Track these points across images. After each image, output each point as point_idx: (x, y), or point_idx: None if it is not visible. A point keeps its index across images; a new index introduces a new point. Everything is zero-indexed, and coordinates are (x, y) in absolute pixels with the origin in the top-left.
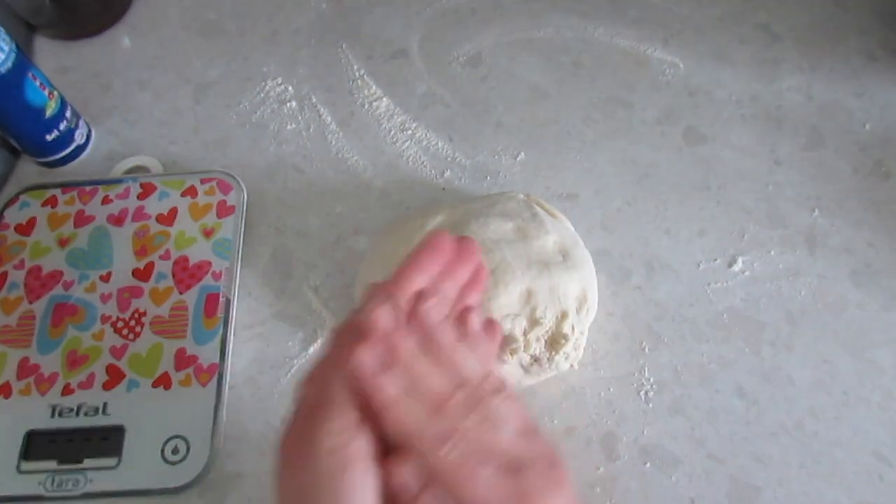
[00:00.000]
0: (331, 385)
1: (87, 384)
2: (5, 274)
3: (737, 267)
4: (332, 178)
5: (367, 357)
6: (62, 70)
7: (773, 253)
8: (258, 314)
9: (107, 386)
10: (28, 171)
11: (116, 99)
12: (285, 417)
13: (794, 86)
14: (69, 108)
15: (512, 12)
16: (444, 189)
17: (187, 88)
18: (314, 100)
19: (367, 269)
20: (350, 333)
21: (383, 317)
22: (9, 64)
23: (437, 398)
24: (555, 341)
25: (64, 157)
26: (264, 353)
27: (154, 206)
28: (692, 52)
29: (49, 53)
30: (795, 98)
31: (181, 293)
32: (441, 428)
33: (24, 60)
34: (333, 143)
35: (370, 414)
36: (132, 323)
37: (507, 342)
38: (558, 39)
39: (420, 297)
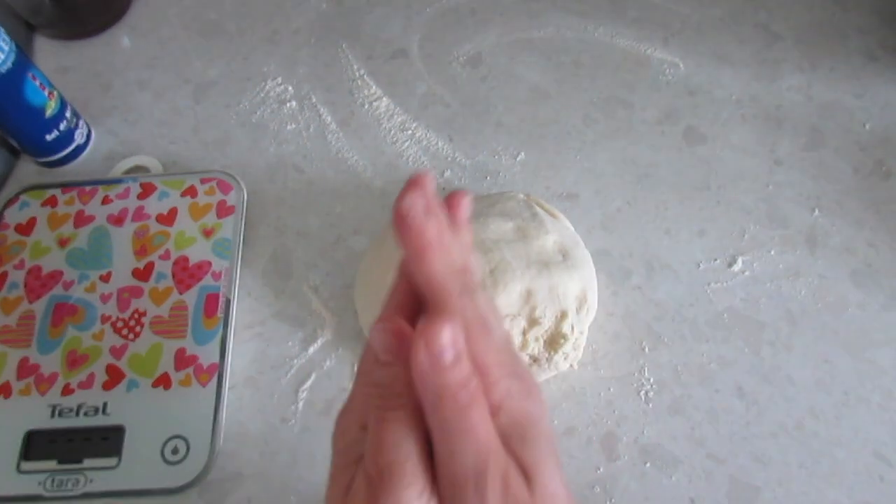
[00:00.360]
0: (394, 443)
1: (86, 384)
2: (5, 274)
3: (737, 267)
4: (332, 178)
5: (424, 192)
6: (62, 70)
7: (773, 253)
8: (258, 314)
9: (107, 386)
10: (28, 170)
11: (116, 99)
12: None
13: (795, 85)
14: (69, 107)
15: (512, 12)
16: (444, 189)
17: (187, 88)
18: (314, 100)
19: (366, 268)
20: (370, 361)
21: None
22: (8, 64)
23: (458, 267)
24: (554, 341)
25: (64, 156)
26: (264, 353)
27: (154, 206)
28: (692, 52)
29: (49, 53)
30: (796, 98)
31: (181, 293)
32: (465, 283)
33: (23, 60)
34: (333, 142)
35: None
36: (132, 323)
37: None
38: (558, 39)
39: (455, 195)
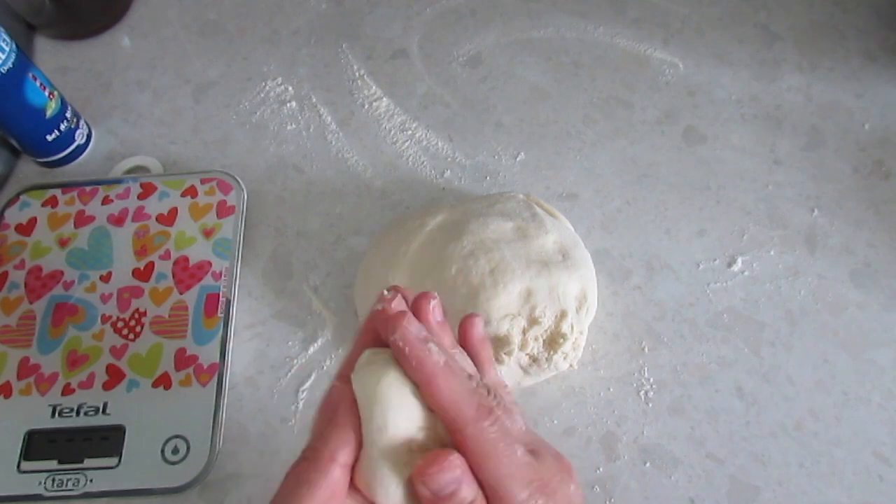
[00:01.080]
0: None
1: (87, 384)
2: (6, 274)
3: (736, 267)
4: (332, 178)
5: (412, 325)
6: (62, 70)
7: (772, 253)
8: (258, 314)
9: (107, 386)
10: (28, 171)
11: (116, 99)
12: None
13: (794, 86)
14: (69, 108)
15: (512, 13)
16: (443, 189)
17: (187, 88)
18: (314, 100)
19: (366, 268)
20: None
21: (435, 312)
22: (9, 64)
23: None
24: (553, 341)
25: (64, 157)
26: (264, 353)
27: (154, 206)
28: (692, 52)
29: (49, 53)
30: (795, 98)
31: (181, 293)
32: (482, 401)
33: (24, 60)
34: (333, 143)
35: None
36: (132, 323)
37: (504, 343)
38: (558, 40)
39: (423, 296)
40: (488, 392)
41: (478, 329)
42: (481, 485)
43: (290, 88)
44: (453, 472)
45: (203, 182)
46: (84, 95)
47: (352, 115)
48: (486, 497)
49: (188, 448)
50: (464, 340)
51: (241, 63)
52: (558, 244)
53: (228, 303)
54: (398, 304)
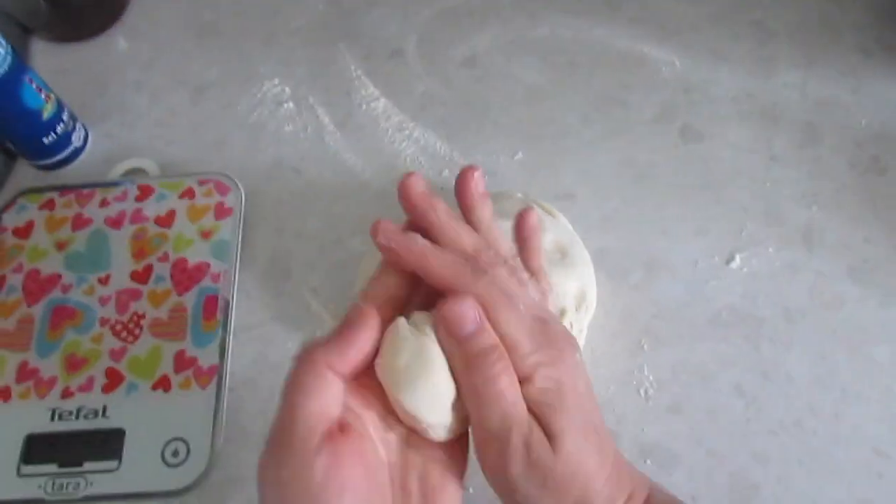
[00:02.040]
0: (285, 411)
1: (86, 387)
2: (3, 277)
3: (735, 264)
4: (331, 178)
5: (390, 224)
6: (59, 72)
7: (770, 250)
8: (257, 316)
9: (106, 389)
10: (25, 174)
11: (113, 101)
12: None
13: (790, 82)
14: (66, 110)
15: (508, 13)
16: (441, 189)
17: (184, 90)
18: (312, 101)
19: (366, 269)
20: (308, 350)
21: (420, 183)
22: (5, 67)
23: (468, 251)
24: None
25: (61, 159)
26: (264, 355)
27: (152, 208)
28: (688, 50)
29: (45, 56)
30: (791, 95)
31: (180, 295)
32: (478, 265)
33: (20, 63)
34: (331, 143)
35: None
36: (131, 325)
37: None
38: (554, 39)
39: (468, 169)
40: (488, 255)
41: (473, 187)
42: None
43: (288, 89)
44: (470, 309)
45: (201, 184)
46: (81, 98)
47: (349, 116)
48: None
49: (188, 451)
50: (462, 197)
51: (239, 64)
52: (556, 243)
53: (227, 304)
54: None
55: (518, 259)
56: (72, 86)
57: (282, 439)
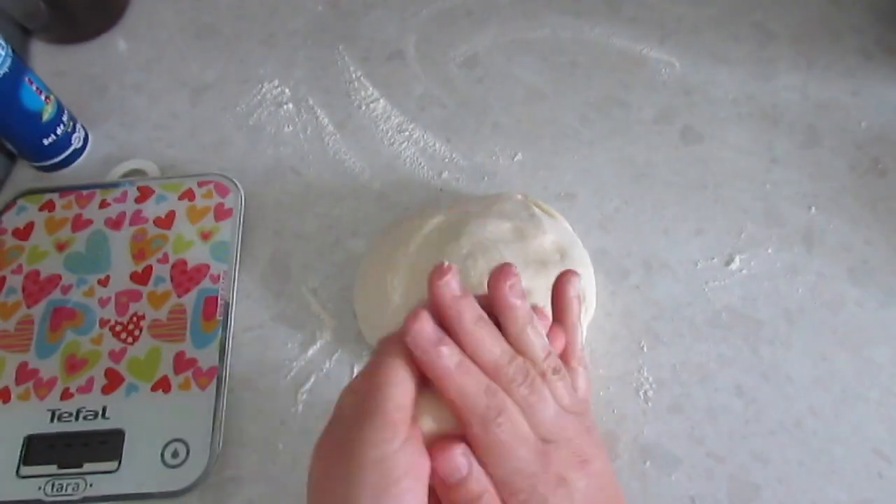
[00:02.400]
0: (376, 393)
1: (86, 388)
2: (3, 279)
3: (734, 265)
4: (330, 180)
5: (426, 325)
6: (58, 74)
7: (770, 251)
8: (257, 317)
9: (106, 390)
10: (25, 175)
11: (113, 102)
12: (324, 427)
13: (791, 84)
14: (66, 112)
15: (508, 13)
16: (441, 190)
17: (184, 91)
18: (311, 102)
19: (365, 271)
20: (394, 341)
21: (451, 285)
22: (5, 68)
23: (492, 366)
24: None
25: (61, 161)
26: (263, 356)
27: (151, 209)
28: (688, 52)
29: (45, 57)
30: (791, 96)
31: (179, 296)
32: (495, 401)
33: (20, 65)
34: (331, 144)
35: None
36: (130, 327)
37: None
38: (554, 40)
39: (503, 272)
40: (517, 374)
41: (505, 285)
42: (493, 480)
43: (287, 91)
44: (456, 462)
45: (200, 185)
46: (80, 99)
47: (349, 117)
48: (499, 493)
49: (188, 451)
50: (494, 299)
51: (238, 65)
52: (556, 244)
53: (227, 306)
54: (450, 284)
55: (552, 356)
56: (71, 87)
57: (374, 421)
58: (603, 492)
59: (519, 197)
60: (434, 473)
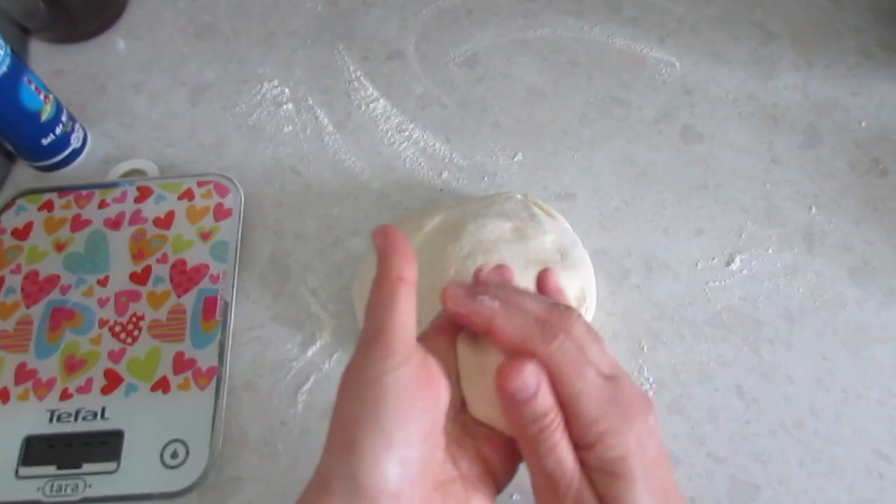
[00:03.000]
0: (375, 317)
1: (85, 389)
2: (2, 279)
3: (735, 265)
4: (330, 179)
5: (458, 288)
6: (57, 73)
7: (770, 251)
8: (256, 317)
9: (105, 390)
10: (24, 175)
11: (112, 102)
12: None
13: (791, 84)
14: (65, 111)
15: (507, 13)
16: (441, 190)
17: (183, 91)
18: (311, 101)
19: (365, 270)
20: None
21: (456, 291)
22: (3, 68)
23: (535, 314)
24: None
25: (60, 161)
26: (263, 356)
27: (151, 209)
28: (688, 51)
29: (44, 57)
30: (792, 96)
31: (179, 297)
32: (550, 327)
33: (18, 64)
34: (330, 144)
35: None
36: (130, 327)
37: None
38: (554, 39)
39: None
40: (560, 314)
41: (552, 280)
42: (561, 405)
43: (287, 90)
44: (530, 376)
45: (200, 185)
46: (79, 99)
47: (349, 117)
48: (566, 418)
49: (187, 452)
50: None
51: (237, 65)
52: (557, 244)
53: (226, 306)
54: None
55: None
56: (70, 87)
57: (373, 343)
58: (662, 443)
59: (519, 197)
60: (502, 390)
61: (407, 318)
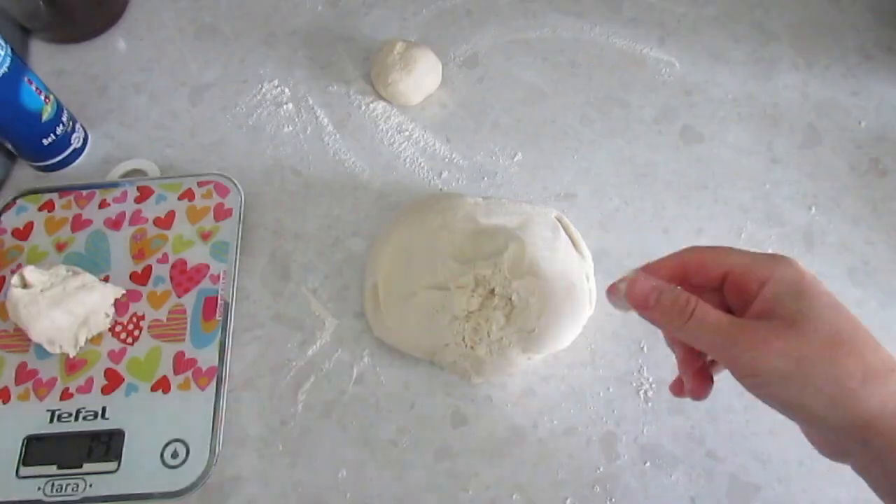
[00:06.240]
0: None
1: (85, 389)
2: (3, 279)
3: None
4: (330, 179)
5: (644, 286)
6: (58, 74)
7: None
8: (257, 317)
9: (106, 390)
10: (24, 175)
11: (113, 102)
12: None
13: (791, 84)
14: (65, 111)
15: (507, 13)
16: (441, 190)
17: (183, 91)
18: (311, 102)
19: (376, 256)
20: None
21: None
22: (4, 68)
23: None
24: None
25: (60, 161)
26: (263, 356)
27: (151, 209)
28: (688, 51)
29: (44, 57)
30: (791, 96)
31: (179, 297)
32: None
33: (19, 64)
34: (330, 144)
35: None
36: (130, 327)
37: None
38: (554, 39)
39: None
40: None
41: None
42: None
43: (287, 90)
44: (644, 283)
45: (200, 185)
46: (80, 99)
47: (348, 117)
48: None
49: (188, 452)
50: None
51: (238, 65)
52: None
53: (227, 306)
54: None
55: None
56: (71, 87)
57: None
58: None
59: (553, 215)
60: (633, 304)
61: None
